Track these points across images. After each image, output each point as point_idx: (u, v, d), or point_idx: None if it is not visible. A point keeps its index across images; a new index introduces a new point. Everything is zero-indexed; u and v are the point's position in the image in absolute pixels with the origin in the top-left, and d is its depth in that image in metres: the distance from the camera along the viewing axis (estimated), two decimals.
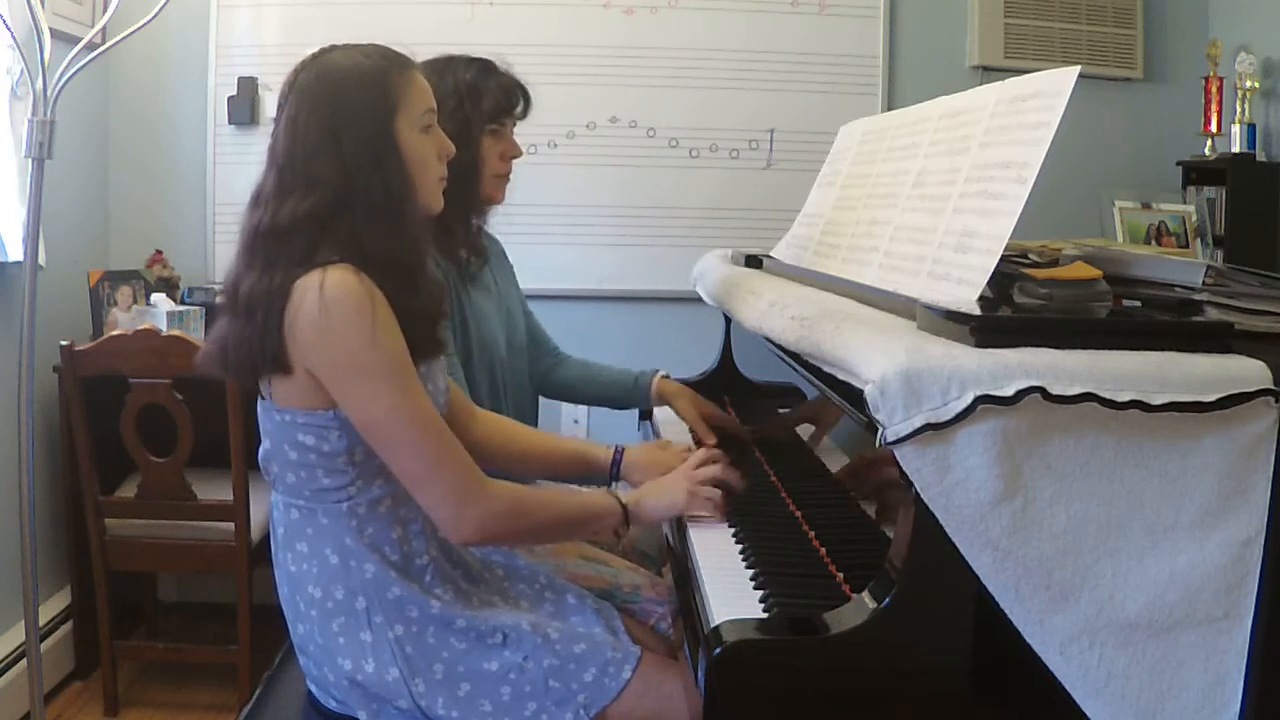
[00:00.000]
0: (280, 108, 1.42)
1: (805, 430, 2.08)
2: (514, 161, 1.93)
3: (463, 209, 1.87)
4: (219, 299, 1.46)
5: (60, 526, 2.81)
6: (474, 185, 1.86)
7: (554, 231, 3.22)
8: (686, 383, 2.29)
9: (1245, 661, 1.11)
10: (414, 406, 1.37)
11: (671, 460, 1.73)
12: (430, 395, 1.43)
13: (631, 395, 2.18)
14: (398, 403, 1.35)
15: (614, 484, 1.77)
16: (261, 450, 1.47)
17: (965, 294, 1.28)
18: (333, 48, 1.45)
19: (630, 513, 1.55)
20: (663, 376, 2.15)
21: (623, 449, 1.77)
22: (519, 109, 1.91)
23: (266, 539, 2.37)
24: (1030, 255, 1.63)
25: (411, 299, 1.41)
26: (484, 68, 1.87)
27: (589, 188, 3.23)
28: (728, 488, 1.62)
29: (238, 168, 3.18)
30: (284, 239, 1.36)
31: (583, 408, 3.08)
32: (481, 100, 1.84)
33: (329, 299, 1.31)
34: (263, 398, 1.44)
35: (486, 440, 1.72)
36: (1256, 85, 2.95)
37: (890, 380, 1.08)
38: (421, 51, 1.52)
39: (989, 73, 3.23)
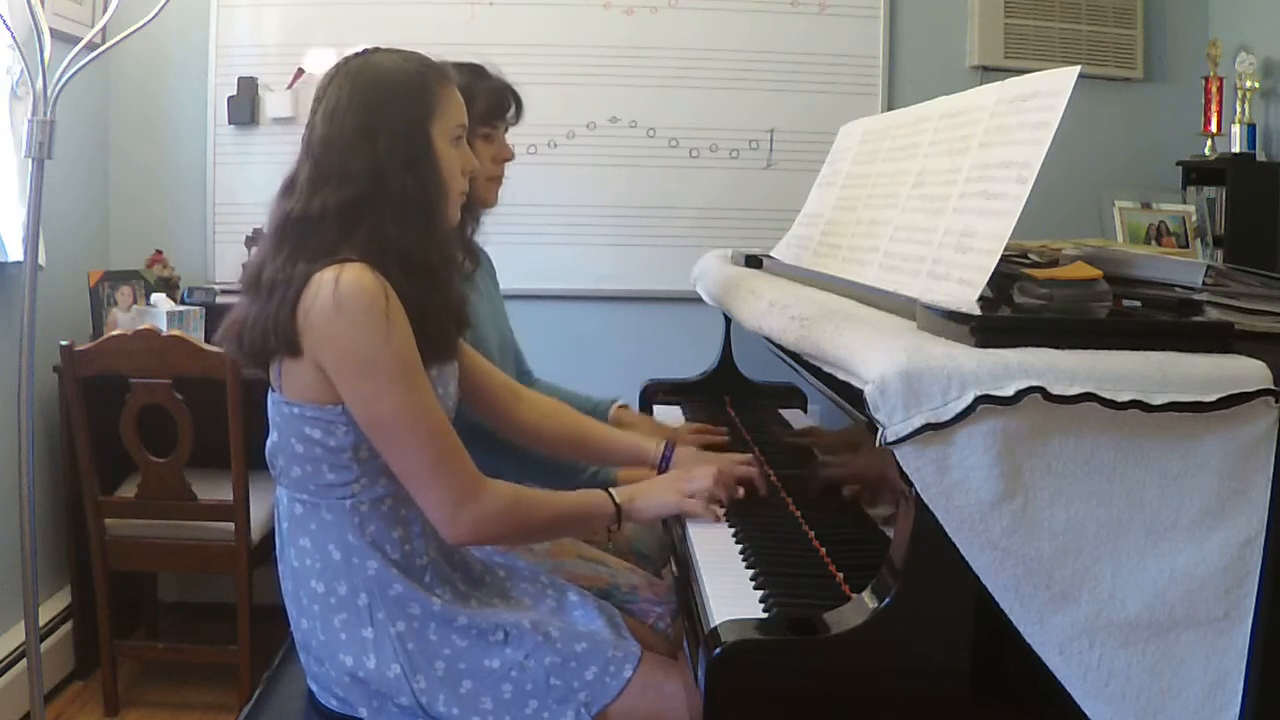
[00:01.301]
0: (319, 100, 1.44)
1: (803, 425, 2.07)
2: (514, 162, 1.93)
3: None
4: (219, 291, 1.47)
5: (60, 526, 2.81)
6: (470, 189, 1.86)
7: (554, 231, 3.22)
8: (686, 383, 2.29)
9: (1245, 661, 1.11)
10: (419, 407, 1.37)
11: (721, 462, 1.74)
12: (440, 400, 1.44)
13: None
14: (402, 402, 1.36)
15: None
16: (269, 443, 1.48)
17: (965, 294, 1.28)
18: (376, 49, 1.47)
19: (623, 510, 1.56)
20: (620, 406, 2.11)
21: (674, 444, 1.78)
22: (510, 112, 1.92)
23: (266, 539, 2.35)
24: (1030, 255, 1.63)
25: (431, 300, 1.42)
26: (474, 72, 1.87)
27: (589, 188, 3.23)
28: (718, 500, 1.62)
29: (238, 168, 3.18)
30: (313, 228, 1.38)
31: None
32: (473, 104, 1.85)
33: (343, 295, 1.32)
34: (273, 389, 1.45)
35: (537, 423, 1.74)
36: (1256, 85, 2.95)
37: (890, 380, 1.08)
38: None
39: (989, 73, 3.22)
